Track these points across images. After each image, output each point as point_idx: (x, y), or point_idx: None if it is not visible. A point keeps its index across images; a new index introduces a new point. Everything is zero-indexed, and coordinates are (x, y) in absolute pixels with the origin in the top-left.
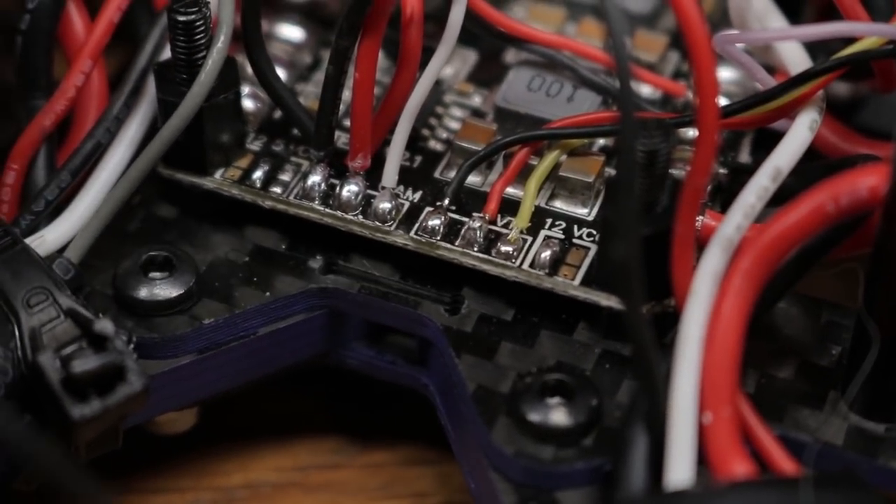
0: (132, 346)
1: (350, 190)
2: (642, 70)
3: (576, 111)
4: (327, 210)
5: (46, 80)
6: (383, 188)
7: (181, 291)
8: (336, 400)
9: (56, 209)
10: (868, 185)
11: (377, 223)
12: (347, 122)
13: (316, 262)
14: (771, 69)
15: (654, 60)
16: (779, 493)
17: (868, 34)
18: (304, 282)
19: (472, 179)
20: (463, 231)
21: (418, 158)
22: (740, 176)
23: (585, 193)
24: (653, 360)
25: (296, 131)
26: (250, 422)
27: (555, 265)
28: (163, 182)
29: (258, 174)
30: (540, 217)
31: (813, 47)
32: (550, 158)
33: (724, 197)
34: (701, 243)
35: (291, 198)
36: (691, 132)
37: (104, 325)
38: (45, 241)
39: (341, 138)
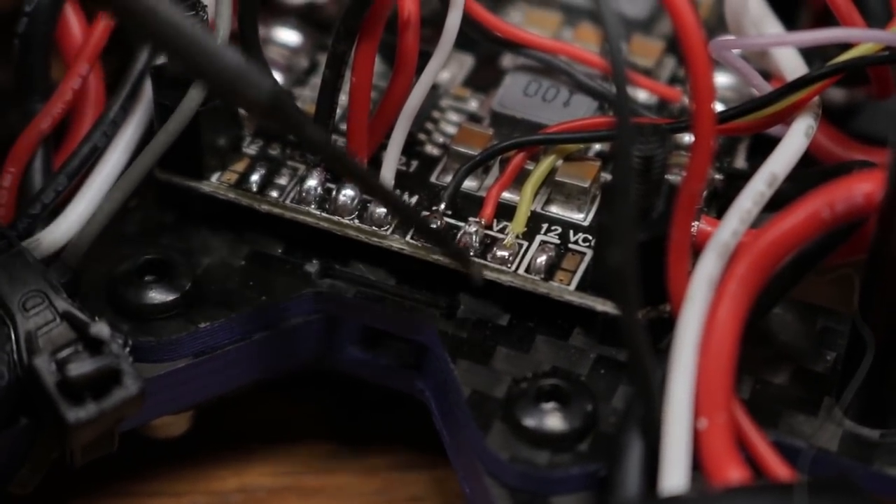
0: (128, 349)
1: (346, 194)
2: (638, 75)
3: (572, 116)
4: (323, 214)
5: (44, 84)
6: None
7: (177, 295)
8: (331, 404)
9: (53, 212)
10: (863, 192)
11: (373, 228)
12: (344, 126)
13: (312, 267)
14: (767, 75)
15: (650, 66)
16: (773, 498)
17: (864, 40)
18: (301, 286)
19: (469, 184)
20: (459, 236)
21: (414, 163)
22: (736, 181)
23: (581, 198)
24: (648, 365)
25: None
26: (246, 426)
27: (550, 270)
28: (159, 186)
29: (255, 178)
30: (536, 222)
31: (809, 53)
32: (546, 163)
33: (720, 202)
34: (697, 249)
35: (288, 202)
36: (687, 137)
37: (100, 329)
38: (42, 244)
39: (338, 142)
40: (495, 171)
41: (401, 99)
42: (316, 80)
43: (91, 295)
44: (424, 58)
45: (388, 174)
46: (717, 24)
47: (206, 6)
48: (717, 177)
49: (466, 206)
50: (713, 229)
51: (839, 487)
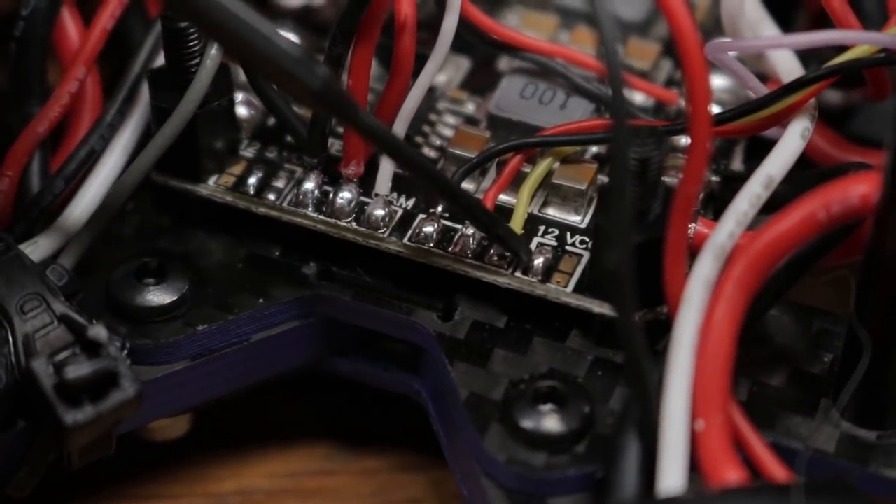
0: (125, 352)
1: (343, 197)
2: (635, 78)
3: (569, 119)
4: (321, 217)
5: (41, 87)
6: (377, 195)
7: (175, 298)
8: (329, 406)
9: (50, 215)
10: (859, 193)
11: (370, 230)
12: (341, 129)
13: (309, 269)
14: (763, 77)
15: (646, 68)
16: (771, 499)
17: (860, 42)
18: (298, 288)
19: (466, 186)
20: (456, 238)
21: None
22: (733, 184)
23: (578, 201)
24: (645, 367)
25: (289, 138)
26: (243, 428)
27: (547, 272)
28: (156, 189)
29: (252, 181)
30: (533, 224)
31: (805, 55)
32: (543, 166)
33: (716, 205)
34: (693, 251)
35: (285, 204)
36: (684, 140)
37: (97, 332)
38: (39, 247)
39: (335, 145)
40: (492, 173)
41: (397, 102)
42: None
43: (88, 298)
44: (421, 61)
45: (385, 177)
46: (713, 26)
47: None
48: (714, 179)
49: None
50: (710, 231)
51: (836, 489)
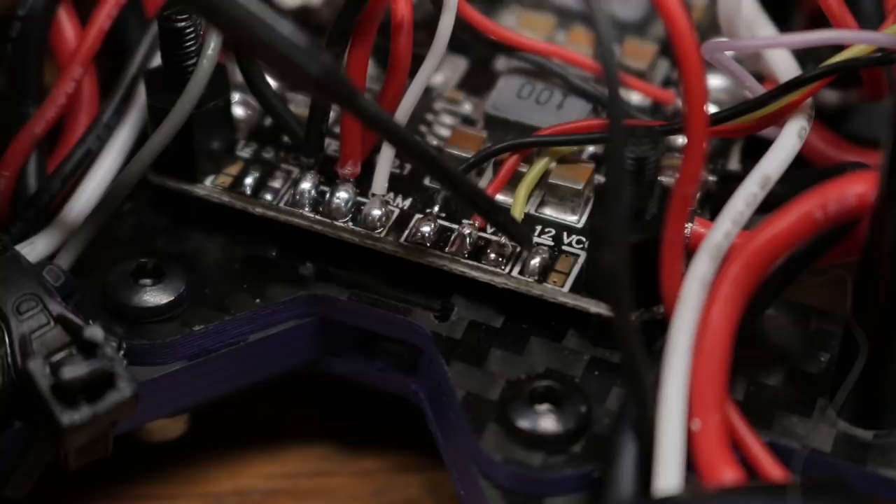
0: (122, 352)
1: (340, 197)
2: (631, 78)
3: (565, 119)
4: (317, 217)
5: (37, 88)
6: (373, 195)
7: (171, 298)
8: (326, 407)
9: (47, 216)
10: (856, 193)
11: (367, 230)
12: (337, 129)
13: (306, 269)
14: (760, 77)
15: (643, 68)
16: (767, 499)
17: (857, 42)
18: (295, 289)
19: None
20: (453, 238)
21: (408, 165)
22: (729, 183)
23: (575, 201)
24: (641, 367)
25: (286, 138)
26: (240, 429)
27: (544, 272)
28: (153, 189)
29: (248, 181)
30: (529, 224)
31: (802, 55)
32: (540, 166)
33: (713, 204)
34: (690, 250)
35: (282, 205)
36: (680, 140)
37: (94, 332)
38: (36, 247)
39: (331, 145)
40: (489, 173)
41: (394, 102)
42: None
43: (85, 298)
44: (418, 61)
45: (381, 177)
46: (709, 26)
47: None
48: (711, 178)
49: (460, 208)
50: (706, 231)
51: (833, 488)
